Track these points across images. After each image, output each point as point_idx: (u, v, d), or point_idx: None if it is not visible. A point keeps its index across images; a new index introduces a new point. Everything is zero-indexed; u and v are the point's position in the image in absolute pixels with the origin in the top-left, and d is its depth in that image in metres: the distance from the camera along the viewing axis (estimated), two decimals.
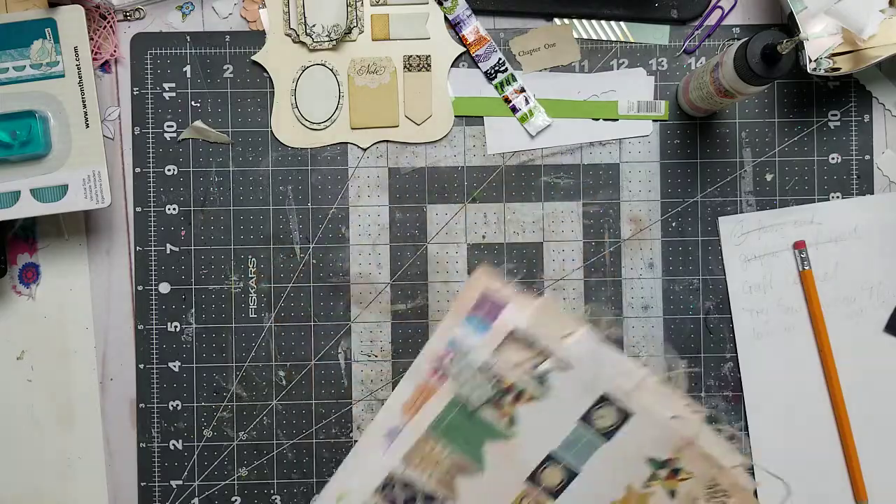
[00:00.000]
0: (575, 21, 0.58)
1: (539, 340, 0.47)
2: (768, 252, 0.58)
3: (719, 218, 0.58)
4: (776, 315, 0.58)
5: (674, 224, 0.58)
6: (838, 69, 0.55)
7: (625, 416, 0.50)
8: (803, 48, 0.54)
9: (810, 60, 0.54)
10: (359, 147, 0.58)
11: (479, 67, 0.58)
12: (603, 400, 0.49)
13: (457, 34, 0.58)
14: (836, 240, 0.57)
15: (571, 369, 0.47)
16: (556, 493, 0.50)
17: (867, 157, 0.58)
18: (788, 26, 0.57)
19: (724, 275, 0.58)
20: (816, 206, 0.58)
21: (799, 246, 0.57)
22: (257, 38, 0.58)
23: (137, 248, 0.59)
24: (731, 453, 0.52)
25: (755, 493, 0.52)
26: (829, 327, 0.57)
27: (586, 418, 0.50)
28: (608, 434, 0.50)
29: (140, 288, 0.59)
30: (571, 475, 0.50)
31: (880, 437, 0.57)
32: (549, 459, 0.50)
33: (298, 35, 0.58)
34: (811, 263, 0.57)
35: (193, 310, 0.58)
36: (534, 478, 0.50)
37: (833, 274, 0.57)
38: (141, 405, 0.58)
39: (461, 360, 0.47)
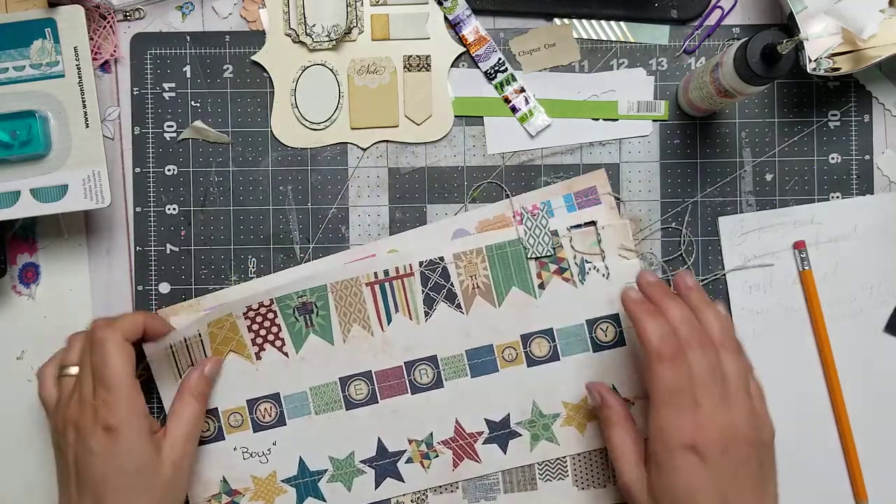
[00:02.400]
0: (575, 21, 0.58)
1: (604, 241, 0.55)
2: (768, 252, 0.58)
3: (719, 218, 0.58)
4: (776, 315, 0.58)
5: (674, 224, 0.58)
6: (838, 69, 0.55)
7: (621, 341, 0.56)
8: (803, 48, 0.54)
9: (810, 60, 0.54)
10: (359, 147, 0.58)
11: (479, 67, 0.58)
12: (614, 318, 0.55)
13: (457, 34, 0.58)
14: (836, 240, 0.57)
15: (608, 277, 0.54)
16: (532, 362, 0.56)
17: (867, 157, 0.58)
18: (788, 26, 0.57)
19: (724, 275, 0.58)
20: (816, 207, 0.58)
21: (799, 246, 0.57)
22: (257, 38, 0.58)
23: (137, 248, 0.59)
24: None
25: None
26: (829, 327, 0.57)
27: (592, 323, 0.56)
28: (599, 347, 0.56)
29: (140, 288, 0.59)
30: (553, 357, 0.56)
31: (880, 436, 0.57)
32: (546, 334, 0.56)
33: (298, 35, 0.58)
34: (811, 263, 0.57)
35: None
36: (526, 340, 0.56)
37: (833, 274, 0.57)
38: None
39: (542, 219, 0.55)
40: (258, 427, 0.56)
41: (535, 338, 0.56)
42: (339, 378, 0.56)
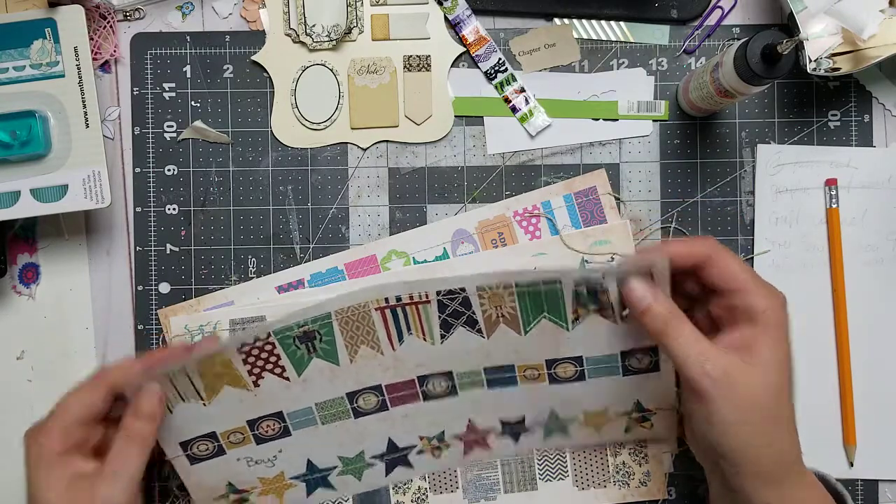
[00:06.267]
0: (575, 21, 0.58)
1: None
2: (801, 187, 0.58)
3: (758, 145, 0.58)
4: (797, 251, 0.58)
5: (674, 224, 0.58)
6: (838, 69, 0.55)
7: (655, 368, 0.53)
8: (803, 48, 0.54)
9: (810, 60, 0.54)
10: (359, 147, 0.58)
11: (479, 67, 0.58)
12: (652, 350, 0.52)
13: (457, 34, 0.58)
14: (869, 187, 0.57)
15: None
16: (555, 381, 0.53)
17: None
18: (788, 26, 0.57)
19: (753, 205, 0.58)
20: (854, 151, 0.58)
21: (830, 183, 0.57)
22: (257, 38, 0.58)
23: (137, 248, 0.59)
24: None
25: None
26: (847, 271, 0.57)
27: (626, 354, 0.52)
28: (630, 372, 0.53)
29: (140, 288, 0.59)
30: (579, 378, 0.53)
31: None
32: (575, 360, 0.53)
33: (298, 35, 0.58)
34: (840, 204, 0.57)
35: None
36: (552, 363, 0.53)
37: (860, 220, 0.57)
38: None
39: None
40: (261, 440, 0.54)
41: (561, 363, 0.53)
42: (347, 393, 0.53)
